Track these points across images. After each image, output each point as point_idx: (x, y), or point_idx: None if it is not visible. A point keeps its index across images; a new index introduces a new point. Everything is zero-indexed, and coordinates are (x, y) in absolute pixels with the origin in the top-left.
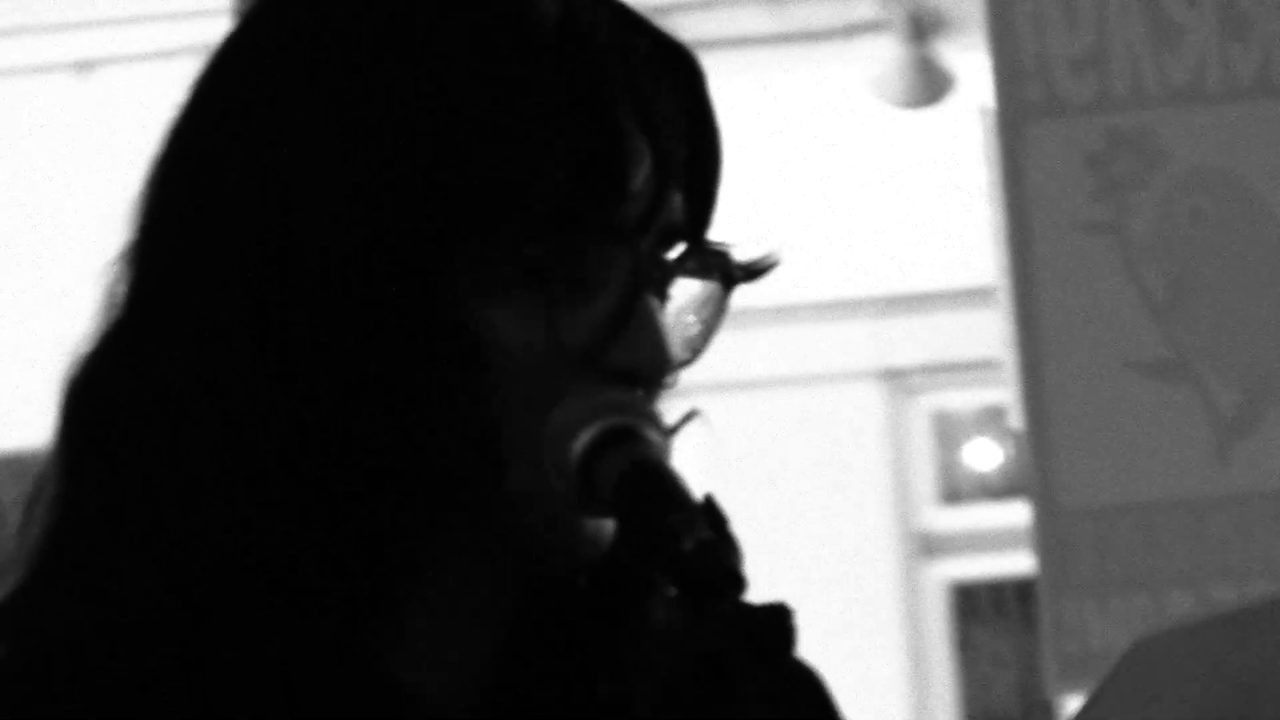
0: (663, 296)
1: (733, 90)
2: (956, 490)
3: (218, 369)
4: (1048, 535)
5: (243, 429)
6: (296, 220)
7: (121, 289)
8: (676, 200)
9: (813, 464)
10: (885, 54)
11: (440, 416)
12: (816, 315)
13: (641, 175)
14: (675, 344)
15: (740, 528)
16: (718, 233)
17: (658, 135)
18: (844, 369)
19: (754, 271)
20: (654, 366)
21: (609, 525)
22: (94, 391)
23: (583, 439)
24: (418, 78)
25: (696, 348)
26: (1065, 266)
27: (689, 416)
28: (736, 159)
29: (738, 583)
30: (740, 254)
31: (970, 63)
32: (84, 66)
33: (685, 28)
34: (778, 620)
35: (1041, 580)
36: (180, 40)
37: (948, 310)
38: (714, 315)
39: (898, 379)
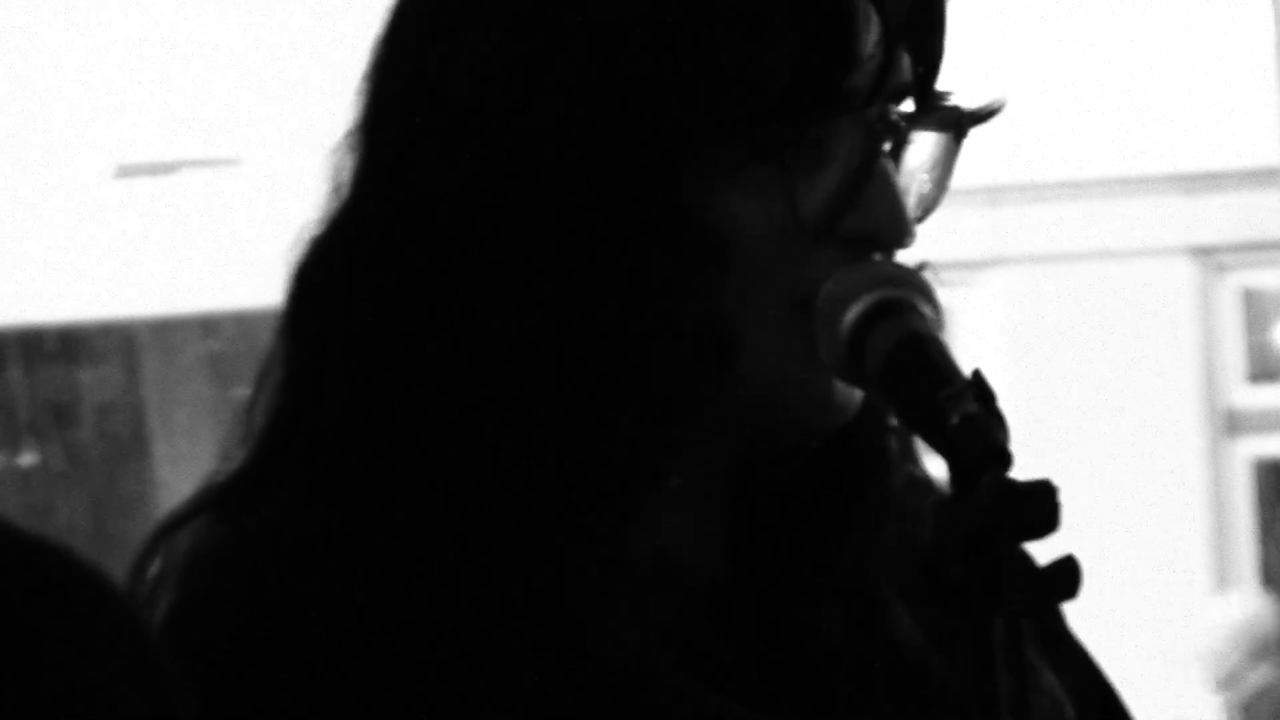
0: (897, 157)
1: None
2: (1265, 368)
3: (448, 257)
4: None
5: (475, 316)
6: (529, 108)
7: (347, 171)
8: (904, 61)
9: (1121, 338)
10: None
11: (673, 308)
12: (1130, 190)
13: (869, 41)
14: (911, 203)
15: (1047, 400)
16: (958, 87)
17: (881, 1)
18: (1155, 245)
19: (982, 117)
20: (893, 230)
21: (856, 395)
22: (319, 279)
23: (854, 311)
24: None
25: (933, 202)
26: None
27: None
28: (1054, 35)
29: (1003, 458)
30: (967, 103)
31: None
32: None
33: None
34: (1042, 497)
35: None
36: None
37: (1262, 188)
38: (947, 168)
39: (1208, 256)
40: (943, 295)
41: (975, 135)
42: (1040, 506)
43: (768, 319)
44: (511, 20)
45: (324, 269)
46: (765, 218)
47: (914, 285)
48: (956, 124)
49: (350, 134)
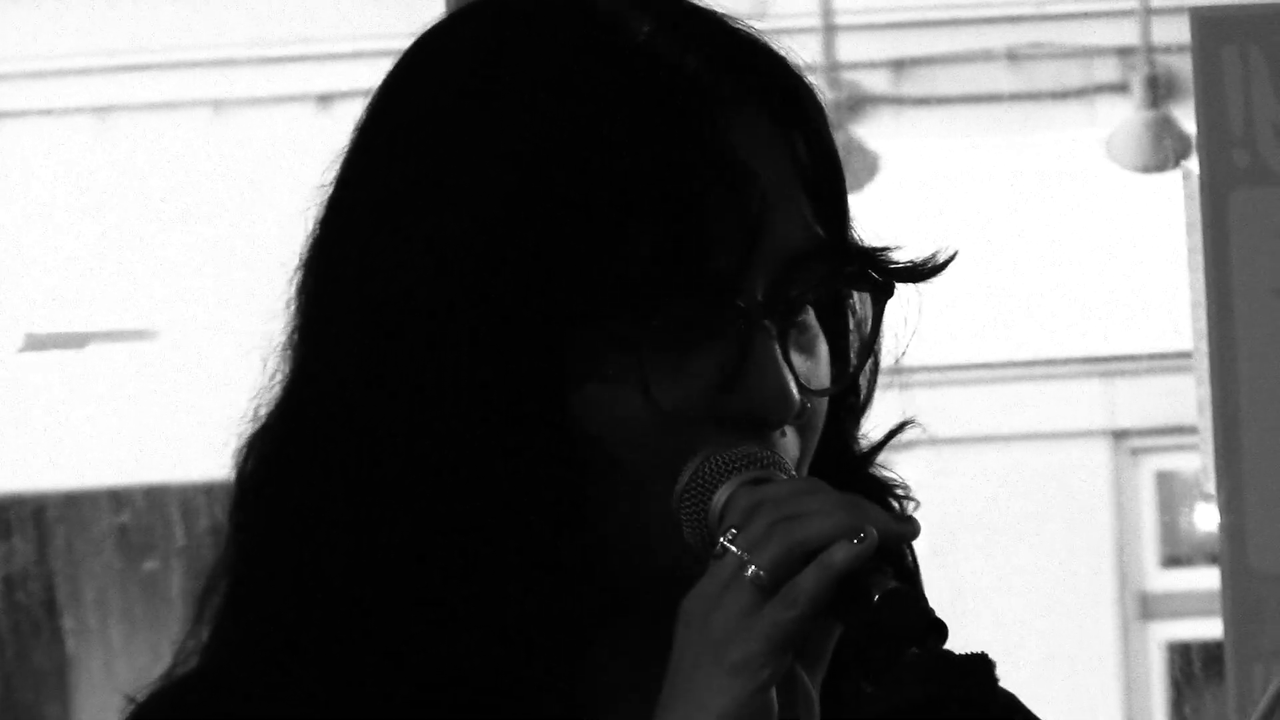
0: (788, 326)
1: (972, 147)
2: (1178, 553)
3: (360, 465)
4: (1236, 598)
5: (383, 521)
6: (403, 311)
7: (283, 367)
8: (788, 230)
9: (1037, 521)
10: (1122, 117)
11: (556, 513)
12: (1045, 373)
13: (728, 223)
14: (812, 374)
15: (961, 582)
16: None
17: (739, 181)
18: (1071, 428)
19: (920, 273)
20: (776, 408)
21: None
22: (262, 472)
23: (722, 494)
24: (494, 154)
25: (860, 360)
26: (1263, 333)
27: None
28: (974, 214)
29: (939, 631)
30: (900, 257)
31: None
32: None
33: (927, 82)
34: (979, 669)
35: (1228, 643)
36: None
37: (1177, 372)
38: (872, 325)
39: (1124, 439)
40: None
41: (890, 318)
42: (980, 679)
43: (657, 506)
44: (393, 217)
45: (265, 463)
46: (632, 408)
47: (776, 465)
48: (871, 283)
49: (286, 330)
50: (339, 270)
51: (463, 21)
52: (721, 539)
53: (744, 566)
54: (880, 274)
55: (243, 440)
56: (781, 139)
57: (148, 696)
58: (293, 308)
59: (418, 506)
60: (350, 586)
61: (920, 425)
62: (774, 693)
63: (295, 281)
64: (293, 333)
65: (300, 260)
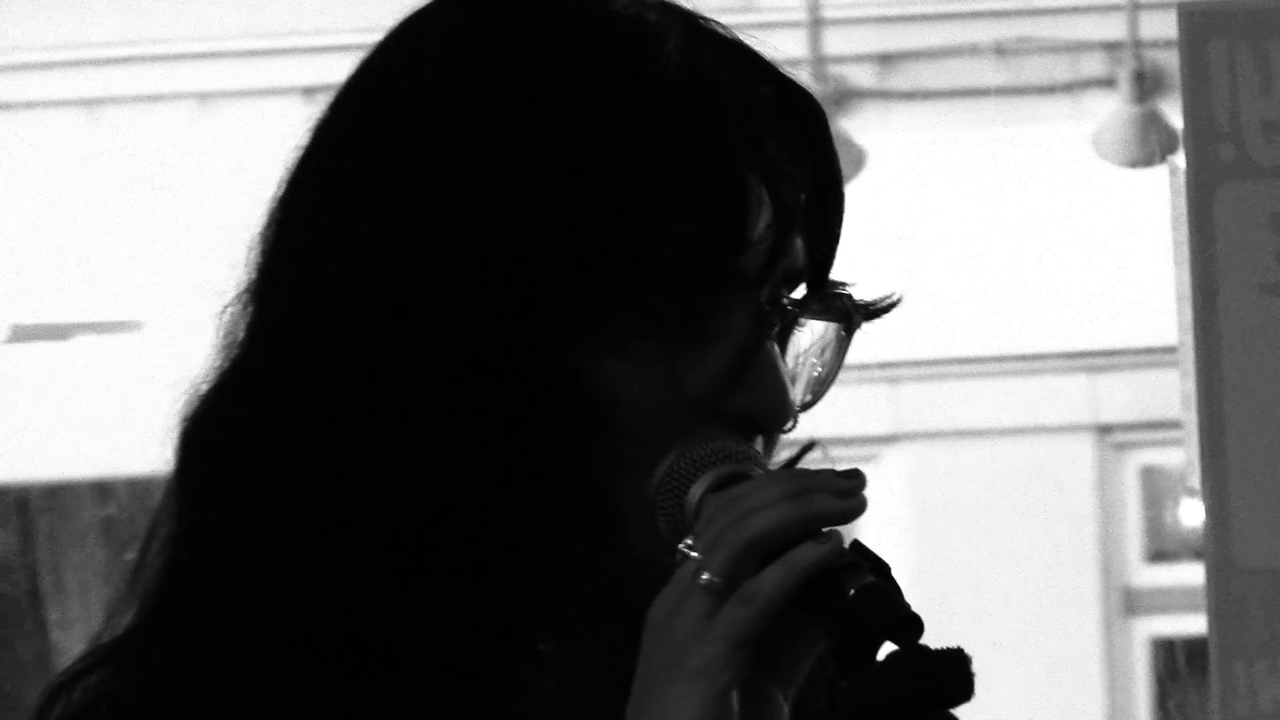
0: (784, 341)
1: (959, 142)
2: (1163, 548)
3: (330, 419)
4: (1220, 594)
5: (353, 481)
6: (414, 274)
7: (240, 327)
8: (797, 246)
9: (1021, 515)
10: (1109, 112)
11: (552, 476)
12: (1030, 368)
13: (761, 224)
14: (797, 389)
15: (947, 576)
16: (853, 275)
17: (777, 185)
18: (1056, 422)
19: (875, 312)
20: (775, 413)
21: None
22: (209, 432)
23: (699, 488)
24: (536, 133)
25: (818, 391)
26: (1248, 328)
27: (806, 450)
28: (960, 209)
29: (914, 626)
30: (861, 295)
31: None
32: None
33: (913, 77)
34: (956, 665)
35: (1212, 639)
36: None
37: (1162, 367)
38: (836, 358)
39: (1108, 434)
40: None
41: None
42: (956, 674)
43: (636, 491)
44: (405, 183)
45: (213, 423)
46: (648, 390)
47: (751, 459)
48: (846, 316)
49: (244, 290)
50: (333, 249)
51: (493, 11)
52: (681, 545)
53: (699, 573)
54: (854, 309)
55: (196, 402)
56: (801, 159)
57: (105, 690)
58: (257, 268)
59: (383, 489)
60: (307, 564)
61: (824, 447)
62: (735, 700)
63: (261, 254)
64: (257, 303)
65: (267, 235)
